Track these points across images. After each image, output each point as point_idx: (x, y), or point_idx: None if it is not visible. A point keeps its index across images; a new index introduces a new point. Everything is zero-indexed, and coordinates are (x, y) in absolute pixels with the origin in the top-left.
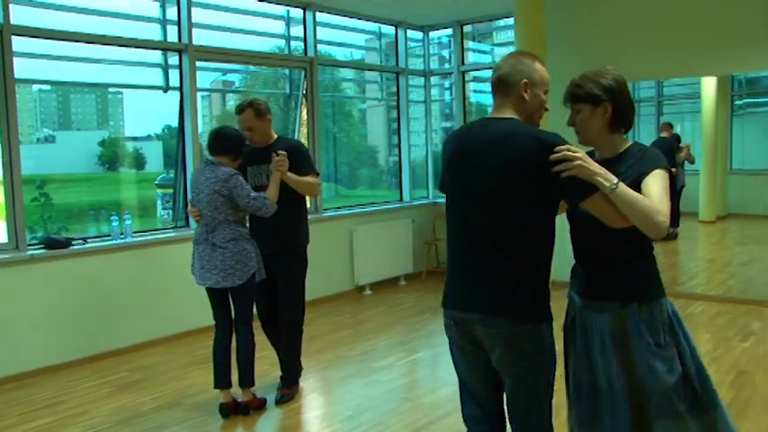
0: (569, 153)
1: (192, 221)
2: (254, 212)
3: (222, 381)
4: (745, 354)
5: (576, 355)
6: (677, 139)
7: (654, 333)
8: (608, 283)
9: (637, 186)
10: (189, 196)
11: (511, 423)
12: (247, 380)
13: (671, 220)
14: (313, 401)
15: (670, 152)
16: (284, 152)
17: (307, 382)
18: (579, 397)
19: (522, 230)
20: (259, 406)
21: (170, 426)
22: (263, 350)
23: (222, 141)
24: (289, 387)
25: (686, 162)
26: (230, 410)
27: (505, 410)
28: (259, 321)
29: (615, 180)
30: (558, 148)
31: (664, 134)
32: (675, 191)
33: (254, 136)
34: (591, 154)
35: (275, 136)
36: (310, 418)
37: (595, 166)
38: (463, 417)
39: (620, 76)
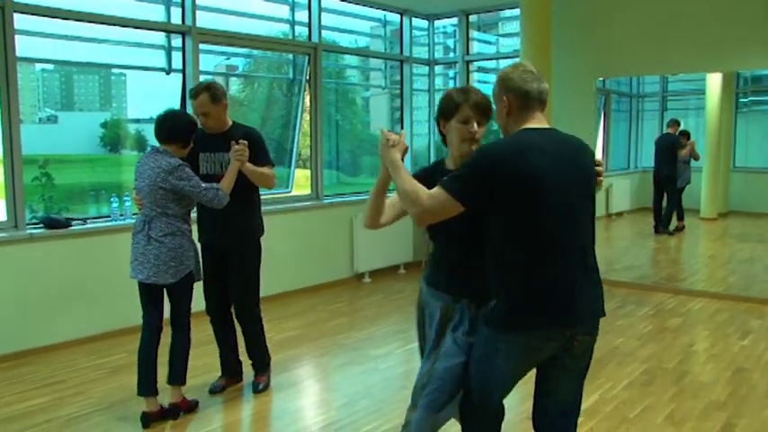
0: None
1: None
2: (205, 204)
3: (147, 386)
4: (743, 351)
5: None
6: (686, 135)
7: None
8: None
9: None
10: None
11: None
12: (179, 377)
13: (679, 214)
14: (309, 388)
15: (671, 149)
16: (245, 141)
17: (303, 369)
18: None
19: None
20: (189, 408)
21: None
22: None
23: (169, 128)
24: (262, 374)
25: (692, 159)
26: (154, 419)
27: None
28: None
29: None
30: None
31: (669, 130)
32: (676, 189)
33: (208, 122)
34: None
35: (230, 122)
36: (306, 405)
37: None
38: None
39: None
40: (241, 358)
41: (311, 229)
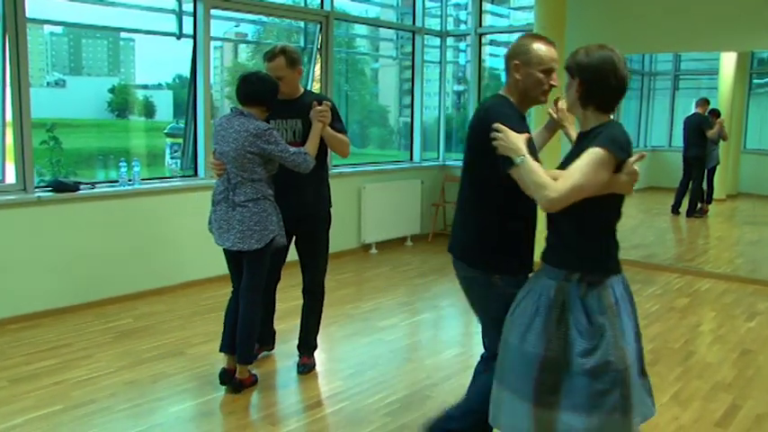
0: (495, 133)
1: (201, 171)
2: (291, 168)
3: (229, 345)
4: (750, 333)
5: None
6: (715, 114)
7: (589, 312)
8: (553, 251)
9: None
10: (212, 147)
11: None
12: (247, 357)
13: (702, 197)
14: (315, 358)
15: (698, 129)
16: (328, 102)
17: None
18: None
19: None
20: (251, 384)
21: (171, 374)
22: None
23: (256, 90)
24: (310, 355)
25: (720, 139)
26: (232, 376)
27: None
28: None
29: (523, 155)
30: (494, 125)
31: (698, 110)
32: (706, 170)
33: (282, 87)
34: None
35: (302, 89)
36: (312, 375)
37: (511, 142)
38: None
39: (604, 56)
40: (276, 328)
41: None
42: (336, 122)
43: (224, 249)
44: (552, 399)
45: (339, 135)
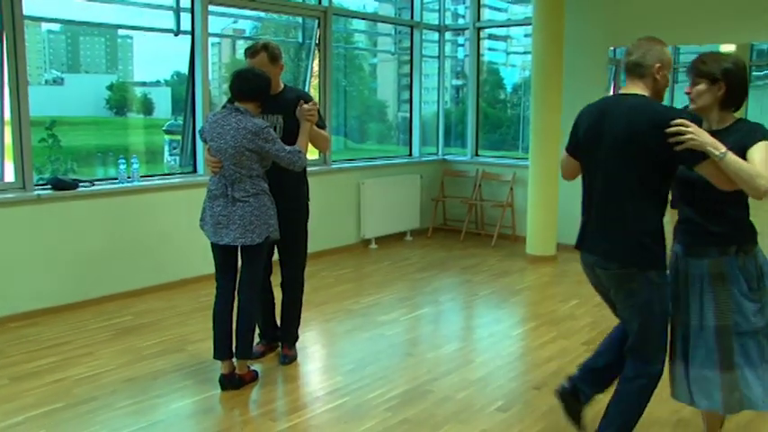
0: (683, 128)
1: (200, 168)
2: (285, 166)
3: (223, 351)
4: None
5: (675, 300)
6: None
7: (748, 278)
8: (710, 232)
9: (742, 155)
10: (202, 143)
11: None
12: (247, 352)
13: None
14: (315, 353)
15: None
16: (314, 101)
17: (309, 334)
18: (676, 336)
19: None
20: (252, 380)
21: (171, 371)
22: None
23: (253, 86)
24: (291, 347)
25: None
26: (230, 379)
27: None
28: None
29: (723, 149)
30: (673, 122)
31: None
32: None
33: None
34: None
35: (282, 85)
36: (312, 370)
37: (706, 137)
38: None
39: (741, 62)
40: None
41: (318, 194)
42: (317, 119)
43: (215, 246)
44: (733, 361)
45: (322, 132)
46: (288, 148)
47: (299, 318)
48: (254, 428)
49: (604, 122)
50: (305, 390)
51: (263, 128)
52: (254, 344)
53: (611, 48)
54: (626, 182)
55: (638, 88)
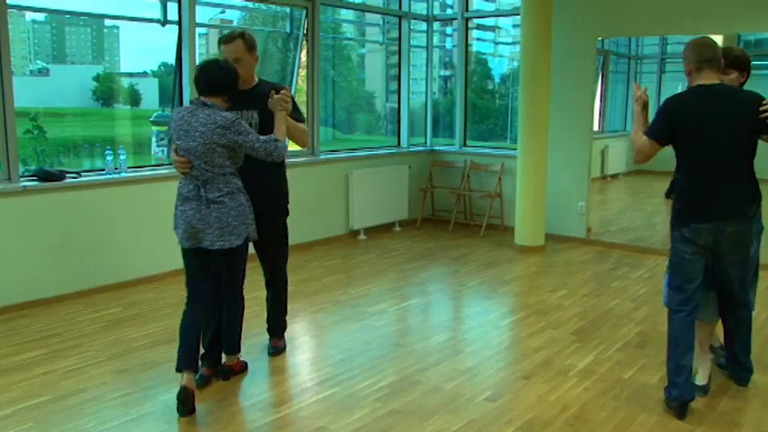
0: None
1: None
2: (263, 158)
3: (189, 362)
4: None
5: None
6: None
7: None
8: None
9: None
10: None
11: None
12: (236, 347)
13: None
14: (304, 344)
15: None
16: (288, 89)
17: (299, 325)
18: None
19: None
20: (241, 370)
21: (161, 362)
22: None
23: (218, 80)
24: (280, 338)
25: None
26: (190, 400)
27: None
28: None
29: None
30: (764, 101)
31: None
32: None
33: (240, 71)
34: None
35: (257, 79)
36: (302, 361)
37: None
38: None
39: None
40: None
41: (307, 185)
42: (294, 112)
43: (188, 251)
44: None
45: (300, 125)
46: (262, 137)
47: (286, 310)
48: (243, 419)
49: (712, 108)
50: (294, 381)
51: (234, 120)
52: (200, 366)
53: (599, 38)
54: (740, 151)
55: (717, 79)
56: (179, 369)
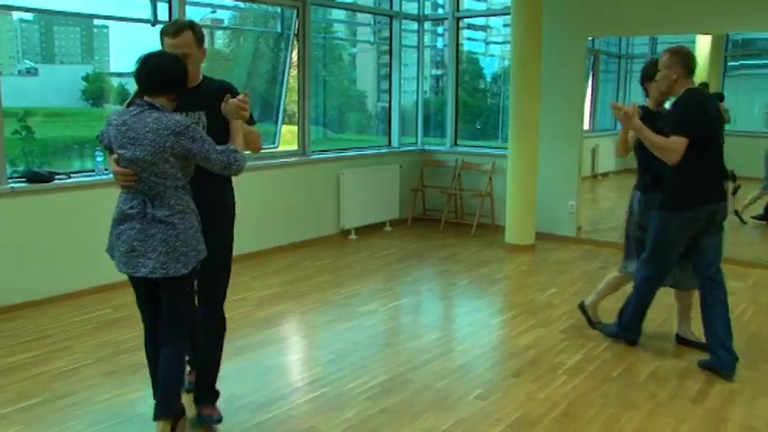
0: None
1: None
2: (218, 171)
3: (164, 409)
4: None
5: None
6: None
7: None
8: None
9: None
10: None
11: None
12: (169, 410)
13: None
14: (295, 344)
15: None
16: (246, 93)
17: (289, 325)
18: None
19: None
20: (219, 419)
21: None
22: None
23: (165, 75)
24: (214, 403)
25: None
26: None
27: None
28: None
29: None
30: None
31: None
32: None
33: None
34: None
35: (202, 75)
36: (292, 361)
37: None
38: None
39: None
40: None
41: (297, 184)
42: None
43: (130, 278)
44: None
45: (253, 129)
46: (219, 147)
47: (220, 364)
48: (234, 420)
49: (713, 107)
50: (284, 381)
51: (189, 125)
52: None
53: (590, 38)
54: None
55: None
56: (156, 418)
